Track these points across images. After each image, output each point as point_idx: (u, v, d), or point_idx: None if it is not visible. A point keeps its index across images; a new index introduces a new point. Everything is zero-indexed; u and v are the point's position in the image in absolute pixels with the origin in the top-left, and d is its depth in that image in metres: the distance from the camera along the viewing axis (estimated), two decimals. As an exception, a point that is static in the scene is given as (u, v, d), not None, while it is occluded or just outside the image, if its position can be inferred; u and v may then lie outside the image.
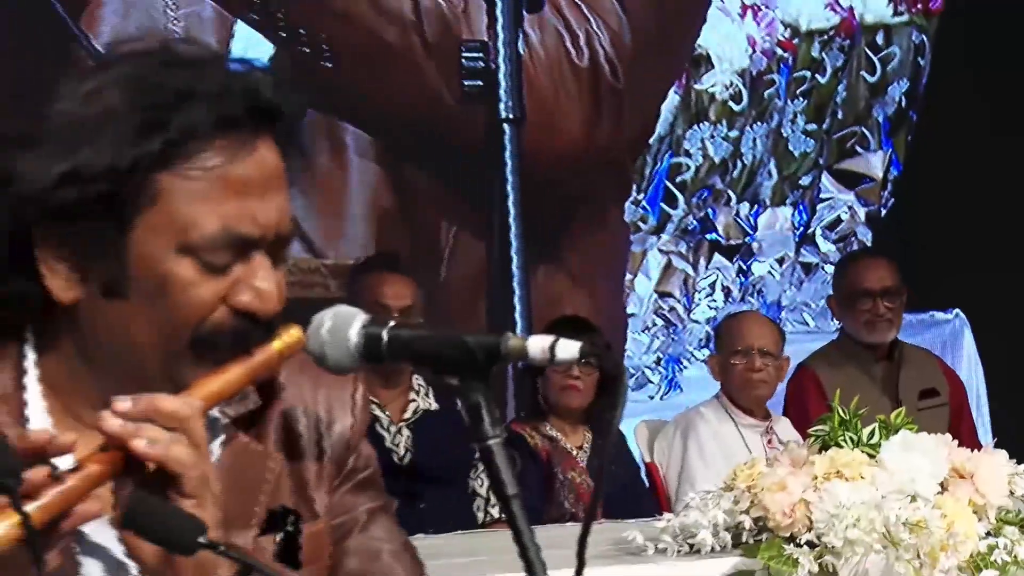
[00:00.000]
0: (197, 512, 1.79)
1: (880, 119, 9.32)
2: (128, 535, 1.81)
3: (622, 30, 8.21)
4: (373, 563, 2.09)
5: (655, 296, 8.72)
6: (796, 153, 9.09)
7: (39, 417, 1.93)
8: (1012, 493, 4.43)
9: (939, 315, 8.96)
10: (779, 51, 8.92)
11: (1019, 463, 4.53)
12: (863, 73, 9.23)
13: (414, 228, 7.84)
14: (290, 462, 2.05)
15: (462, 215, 7.96)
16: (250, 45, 7.30)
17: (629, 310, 8.60)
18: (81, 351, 1.94)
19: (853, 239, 9.28)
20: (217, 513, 1.82)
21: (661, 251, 8.72)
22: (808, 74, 9.04)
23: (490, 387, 1.83)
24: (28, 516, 1.70)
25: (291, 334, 1.92)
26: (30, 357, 1.96)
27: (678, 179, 8.69)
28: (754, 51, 8.82)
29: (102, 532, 1.90)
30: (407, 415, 5.69)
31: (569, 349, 1.80)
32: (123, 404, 1.80)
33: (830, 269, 8.64)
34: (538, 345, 1.82)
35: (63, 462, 1.78)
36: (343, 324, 1.90)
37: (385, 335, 1.89)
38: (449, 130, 7.83)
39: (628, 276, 8.60)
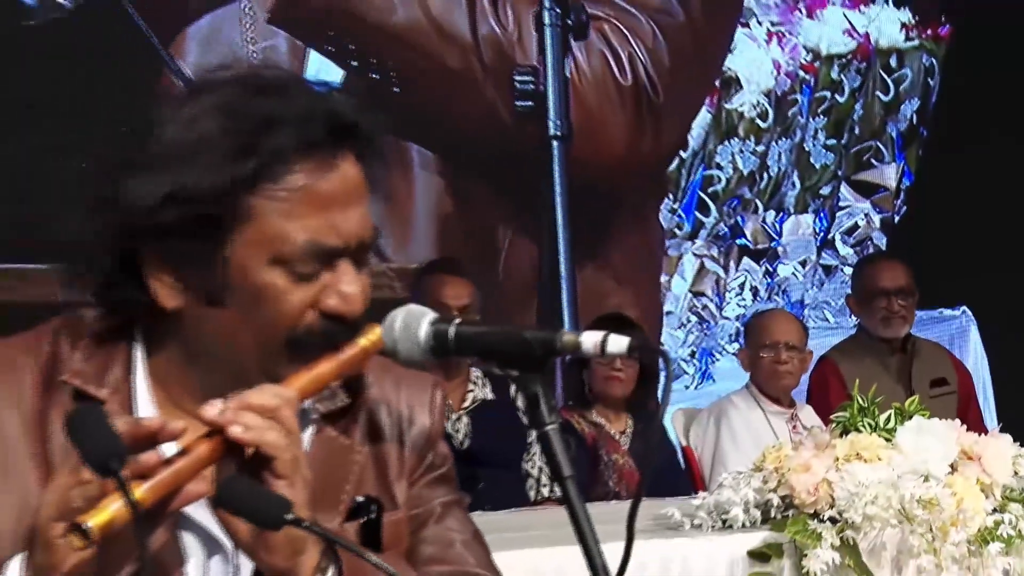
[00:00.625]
0: (288, 491, 1.80)
1: (893, 134, 9.29)
2: (223, 513, 1.81)
3: (661, 52, 8.21)
4: (446, 551, 2.09)
5: (690, 295, 8.71)
6: (817, 166, 9.07)
7: (146, 406, 1.95)
8: (1016, 473, 4.41)
9: (947, 312, 8.92)
10: (802, 73, 8.90)
11: (1023, 446, 4.52)
12: (878, 93, 9.20)
13: (472, 234, 7.85)
14: (374, 455, 2.06)
15: (515, 221, 7.96)
16: (321, 71, 7.32)
17: (666, 308, 8.59)
18: (185, 351, 1.95)
19: (869, 243, 9.24)
20: (307, 493, 1.82)
21: (695, 255, 8.71)
22: (828, 94, 9.02)
23: (547, 378, 1.83)
24: (133, 497, 1.70)
25: (375, 333, 1.93)
26: (139, 355, 1.97)
27: (710, 190, 8.69)
28: (779, 74, 8.81)
29: (200, 511, 1.91)
30: (466, 404, 5.68)
31: (618, 344, 1.80)
32: (219, 402, 1.82)
33: (848, 271, 8.61)
34: (590, 340, 1.82)
35: (169, 448, 1.79)
36: (414, 321, 1.91)
37: (452, 331, 1.90)
38: (503, 145, 7.84)
39: (665, 277, 8.59)
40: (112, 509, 1.69)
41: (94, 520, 1.68)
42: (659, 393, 1.62)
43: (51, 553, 1.72)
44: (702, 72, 8.57)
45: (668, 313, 8.61)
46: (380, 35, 7.57)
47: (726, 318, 8.79)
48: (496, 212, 7.92)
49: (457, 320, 1.91)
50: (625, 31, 8.14)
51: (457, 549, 2.10)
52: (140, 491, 1.72)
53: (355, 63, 7.46)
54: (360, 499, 2.01)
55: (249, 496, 1.78)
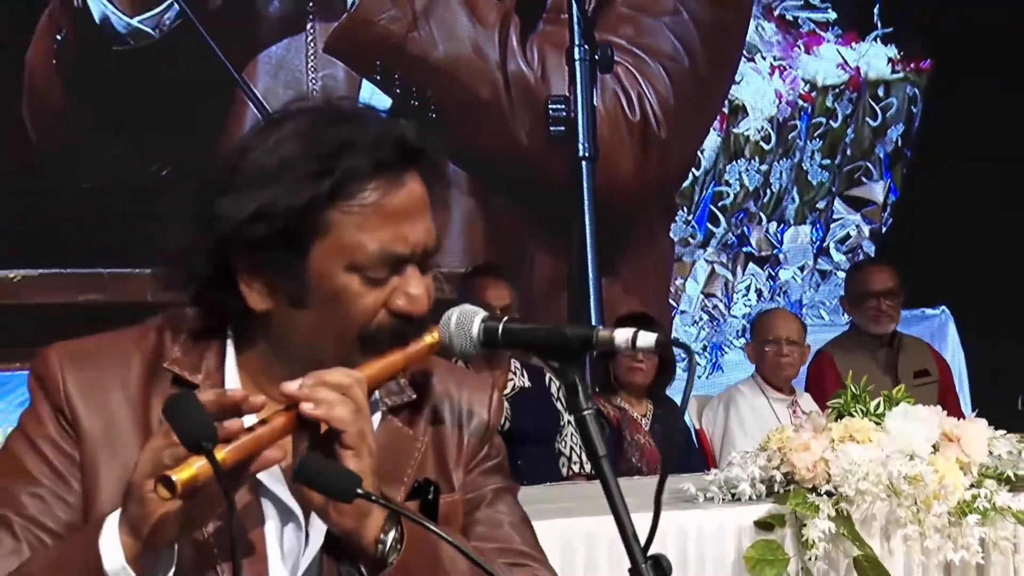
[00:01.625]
0: (355, 461, 1.80)
1: (881, 155, 9.24)
2: (298, 484, 1.82)
3: (666, 93, 8.22)
4: (495, 530, 2.08)
5: (702, 296, 8.68)
6: (814, 183, 9.03)
7: (233, 388, 1.95)
8: (991, 453, 4.40)
9: (928, 311, 8.88)
10: (800, 102, 8.86)
11: (996, 429, 4.51)
12: (867, 119, 9.16)
13: (500, 245, 7.84)
14: (435, 444, 2.05)
15: (540, 237, 7.96)
16: (374, 99, 7.33)
17: (680, 308, 8.58)
18: (271, 347, 1.96)
19: (859, 251, 9.20)
20: (373, 463, 1.82)
21: (707, 261, 8.69)
22: (823, 120, 8.98)
23: (584, 369, 1.83)
24: (221, 469, 1.71)
25: (439, 330, 1.94)
26: (230, 351, 1.98)
27: (720, 204, 8.66)
28: (780, 102, 8.77)
29: (277, 485, 1.92)
30: (506, 391, 5.66)
31: (647, 339, 1.80)
32: (297, 380, 1.83)
33: (841, 275, 8.58)
34: (622, 336, 1.82)
35: (249, 419, 1.80)
36: (467, 319, 1.92)
37: (500, 327, 1.91)
38: (527, 168, 7.84)
39: (680, 281, 8.58)
40: (196, 467, 1.70)
41: (178, 475, 1.69)
42: (685, 382, 1.62)
43: (142, 505, 1.73)
44: (702, 110, 8.55)
45: (682, 312, 8.60)
46: (422, 67, 7.57)
47: (734, 316, 8.77)
48: (522, 228, 7.91)
49: (505, 318, 1.92)
50: (636, 73, 8.15)
51: (505, 529, 2.09)
52: (223, 452, 1.73)
53: (398, 90, 7.48)
54: (420, 481, 2.00)
55: (325, 471, 1.78)
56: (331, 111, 1.93)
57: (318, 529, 1.91)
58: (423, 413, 2.06)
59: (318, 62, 7.38)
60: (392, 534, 1.84)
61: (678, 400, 6.39)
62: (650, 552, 1.78)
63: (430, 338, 1.93)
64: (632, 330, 1.81)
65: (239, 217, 1.84)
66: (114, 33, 6.89)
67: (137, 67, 6.88)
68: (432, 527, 1.82)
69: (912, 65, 9.22)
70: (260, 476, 1.88)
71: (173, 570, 1.81)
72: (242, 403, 1.78)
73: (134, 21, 6.94)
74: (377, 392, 1.99)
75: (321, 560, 1.92)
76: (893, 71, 9.19)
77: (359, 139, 1.86)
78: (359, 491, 1.76)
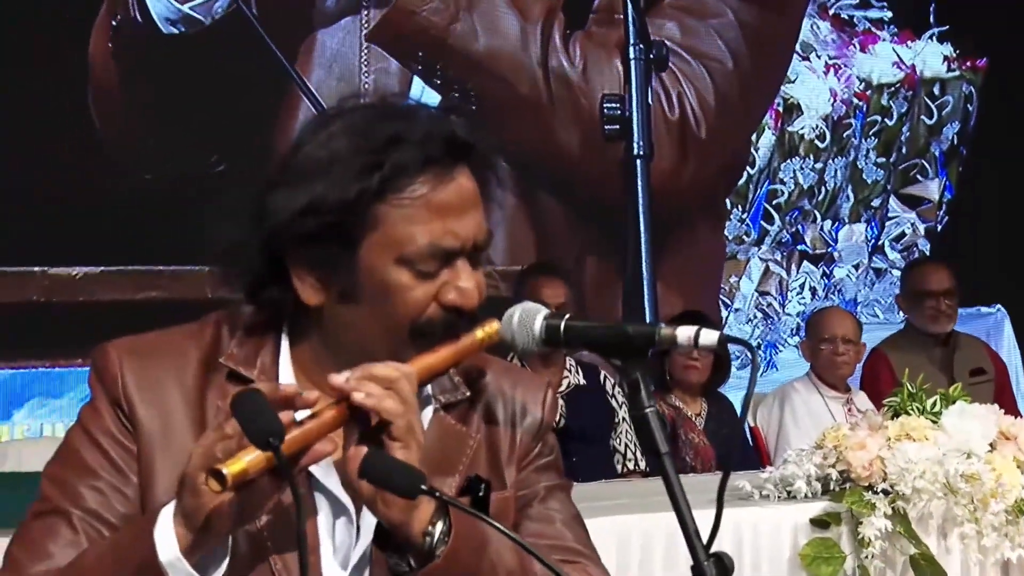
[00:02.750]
0: (403, 453, 1.80)
1: (936, 153, 9.20)
2: (351, 477, 1.82)
3: (707, 92, 8.19)
4: (547, 527, 2.08)
5: (756, 294, 8.67)
6: (869, 181, 9.00)
7: (287, 383, 1.96)
8: (1049, 452, 4.38)
9: (984, 309, 8.83)
10: (855, 101, 8.84)
11: (1053, 428, 4.48)
12: (923, 117, 9.12)
13: (547, 244, 7.84)
14: (488, 441, 2.05)
15: (584, 236, 7.95)
16: (425, 94, 7.34)
17: (735, 306, 8.57)
18: (324, 341, 1.96)
19: (915, 249, 9.16)
20: (419, 455, 1.82)
21: (761, 259, 8.67)
22: (879, 118, 8.95)
23: (646, 367, 1.83)
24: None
25: (491, 325, 1.93)
26: (284, 345, 1.99)
27: (775, 202, 8.65)
28: (835, 101, 8.75)
29: (329, 478, 1.93)
30: (561, 389, 5.66)
31: (710, 337, 1.80)
32: (345, 373, 1.83)
33: (896, 273, 8.56)
34: (685, 334, 1.81)
35: (300, 413, 1.81)
36: (529, 317, 1.91)
37: (563, 325, 1.90)
38: (567, 167, 7.83)
39: (734, 279, 8.56)
40: (246, 460, 1.71)
41: (229, 468, 1.70)
42: (748, 380, 1.61)
43: (195, 496, 1.74)
44: (746, 111, 8.52)
45: (736, 310, 8.59)
46: (461, 59, 7.57)
47: (788, 315, 8.74)
48: (565, 225, 7.90)
49: (567, 315, 1.91)
50: (677, 73, 8.13)
51: (557, 527, 2.08)
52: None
53: (439, 82, 7.48)
54: (471, 477, 2.00)
55: (390, 468, 1.79)
56: (383, 107, 1.93)
57: (369, 523, 1.92)
58: (476, 410, 2.06)
59: (371, 56, 7.40)
60: (440, 526, 1.84)
61: (736, 401, 6.38)
62: (712, 550, 1.77)
63: (481, 332, 1.92)
64: (695, 328, 1.80)
65: (290, 211, 1.85)
66: (165, 18, 6.92)
67: (189, 55, 6.92)
68: (488, 520, 1.82)
69: (968, 63, 9.17)
70: (312, 469, 1.89)
71: (227, 562, 1.82)
72: (296, 399, 1.79)
73: (184, 7, 6.98)
74: (430, 388, 2.00)
75: (371, 552, 1.92)
76: (949, 69, 9.14)
77: (409, 134, 1.86)
78: (423, 487, 1.76)
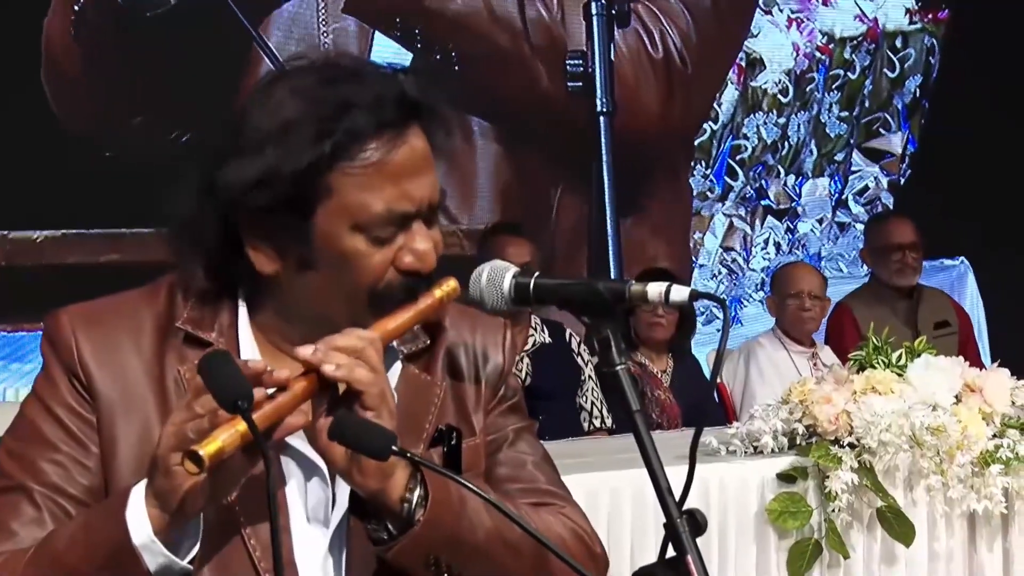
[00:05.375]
0: (376, 422, 1.80)
1: (899, 107, 9.20)
2: (322, 443, 1.81)
3: (688, 29, 8.20)
4: (519, 470, 2.09)
5: (720, 250, 8.67)
6: (832, 135, 9.00)
7: (250, 350, 1.96)
8: (1013, 403, 4.40)
9: (947, 262, 8.87)
10: (818, 54, 8.83)
11: (1018, 379, 4.50)
12: (885, 70, 9.12)
13: (527, 195, 7.84)
14: (453, 389, 2.05)
15: (564, 183, 7.96)
16: (386, 51, 7.32)
17: (699, 262, 8.57)
18: (283, 307, 1.95)
19: (878, 203, 9.17)
20: (393, 423, 1.81)
21: (725, 215, 8.67)
22: (841, 72, 8.94)
23: (617, 324, 1.82)
24: (257, 428, 1.71)
25: (449, 284, 1.93)
26: (243, 311, 1.98)
27: (738, 157, 8.65)
28: (798, 55, 8.75)
29: (300, 441, 1.92)
30: (527, 347, 5.67)
31: (681, 293, 1.80)
32: (311, 346, 1.82)
33: (859, 227, 8.57)
34: (655, 290, 1.81)
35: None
36: (498, 275, 1.91)
37: (532, 283, 1.90)
38: (549, 116, 7.82)
39: (698, 235, 8.57)
40: (220, 440, 1.70)
41: (205, 449, 1.69)
42: (719, 337, 1.61)
43: (170, 478, 1.73)
44: (725, 49, 8.53)
45: (701, 266, 8.59)
46: (440, 20, 7.54)
47: (752, 270, 8.75)
48: (547, 175, 7.92)
49: (536, 273, 1.91)
50: (657, 11, 8.13)
51: (529, 469, 2.10)
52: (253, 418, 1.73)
53: (420, 45, 7.46)
54: (442, 427, 2.01)
55: (360, 430, 1.78)
56: (330, 70, 1.90)
57: (344, 488, 1.91)
58: (439, 358, 2.06)
59: (329, 16, 7.36)
60: (417, 492, 1.84)
61: (701, 356, 6.40)
62: (684, 507, 1.78)
63: (440, 291, 1.92)
64: (665, 284, 1.80)
65: (243, 183, 1.83)
66: (129, 1, 6.86)
67: (155, 33, 6.86)
68: (462, 480, 1.82)
69: (930, 16, 9.17)
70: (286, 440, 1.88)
71: (200, 538, 1.82)
72: (264, 376, 1.77)
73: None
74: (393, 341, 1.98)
75: (348, 520, 1.92)
76: (911, 22, 9.14)
77: (358, 98, 1.84)
78: (394, 448, 1.76)
